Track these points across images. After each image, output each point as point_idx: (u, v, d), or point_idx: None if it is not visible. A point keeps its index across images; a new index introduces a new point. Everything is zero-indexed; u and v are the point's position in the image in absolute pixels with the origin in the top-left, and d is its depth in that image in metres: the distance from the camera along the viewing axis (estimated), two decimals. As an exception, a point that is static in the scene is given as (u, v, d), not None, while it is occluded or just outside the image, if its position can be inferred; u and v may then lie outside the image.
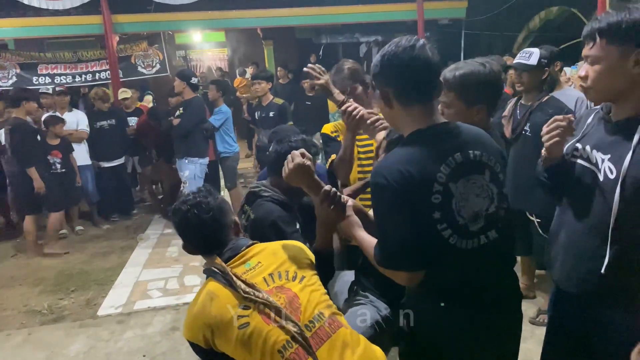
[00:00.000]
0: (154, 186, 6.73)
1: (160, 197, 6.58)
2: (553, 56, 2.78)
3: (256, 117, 5.38)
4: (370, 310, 1.87)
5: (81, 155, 5.60)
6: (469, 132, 1.38)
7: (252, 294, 1.38)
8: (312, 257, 1.59)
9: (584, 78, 1.41)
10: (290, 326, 1.34)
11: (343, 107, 2.19)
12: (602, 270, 1.35)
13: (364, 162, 2.35)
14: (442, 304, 1.34)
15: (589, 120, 1.52)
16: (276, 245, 1.58)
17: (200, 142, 4.74)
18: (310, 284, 1.48)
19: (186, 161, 4.70)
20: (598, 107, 1.51)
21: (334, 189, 1.52)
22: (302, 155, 1.55)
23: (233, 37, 11.17)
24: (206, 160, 4.97)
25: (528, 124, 2.81)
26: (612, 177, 1.34)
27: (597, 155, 1.41)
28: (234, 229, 1.60)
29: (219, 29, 10.09)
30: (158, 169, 6.00)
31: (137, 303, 3.83)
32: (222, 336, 1.38)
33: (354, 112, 2.10)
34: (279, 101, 5.21)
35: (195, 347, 1.46)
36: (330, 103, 7.44)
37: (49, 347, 3.26)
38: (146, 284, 4.19)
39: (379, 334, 1.83)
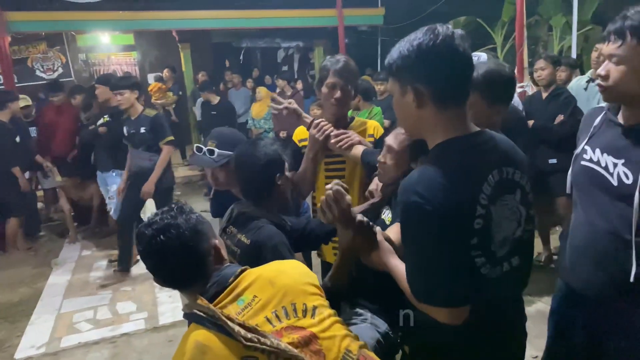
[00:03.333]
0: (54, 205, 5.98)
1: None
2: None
3: (125, 133, 4.17)
4: (370, 331, 1.74)
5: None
6: (503, 145, 1.21)
7: (256, 341, 1.09)
8: (315, 279, 1.32)
9: (605, 77, 1.35)
10: None
11: (315, 122, 2.10)
12: (632, 279, 1.33)
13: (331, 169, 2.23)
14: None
15: (596, 122, 1.50)
16: (271, 270, 1.29)
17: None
18: (326, 316, 1.22)
19: (113, 174, 4.24)
20: (604, 107, 1.52)
21: (366, 219, 1.33)
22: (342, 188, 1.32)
23: (143, 40, 10.46)
24: (135, 172, 4.52)
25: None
26: (628, 182, 1.33)
27: (608, 159, 1.39)
28: (215, 255, 1.29)
29: (128, 31, 9.38)
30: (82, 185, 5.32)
31: (64, 339, 3.33)
32: None
33: (324, 127, 2.02)
34: (151, 113, 4.17)
35: None
36: (256, 108, 7.24)
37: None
38: (71, 316, 3.67)
39: (380, 353, 1.72)
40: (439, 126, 1.15)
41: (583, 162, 1.48)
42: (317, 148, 2.09)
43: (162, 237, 1.20)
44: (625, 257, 1.34)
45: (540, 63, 3.74)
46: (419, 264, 1.13)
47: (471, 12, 9.15)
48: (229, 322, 1.12)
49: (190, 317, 1.19)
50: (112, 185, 4.25)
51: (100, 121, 4.15)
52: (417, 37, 1.11)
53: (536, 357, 2.82)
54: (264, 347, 1.09)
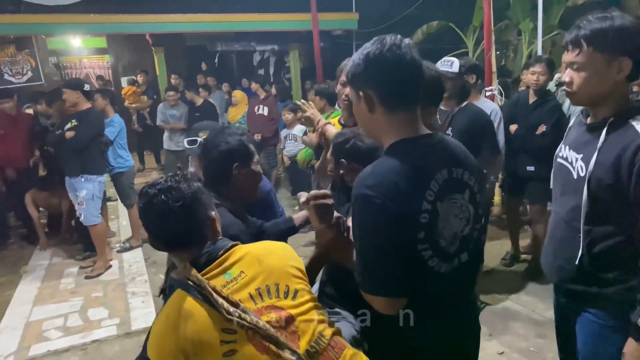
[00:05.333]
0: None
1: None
2: (470, 68, 2.97)
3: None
4: (346, 327, 1.78)
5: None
6: (454, 147, 1.30)
7: (237, 316, 1.15)
8: (301, 263, 1.37)
9: (569, 84, 1.45)
10: (288, 355, 1.15)
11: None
12: (577, 262, 1.45)
13: None
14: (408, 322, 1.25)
15: (571, 122, 1.62)
16: (260, 248, 1.34)
17: (98, 157, 4.23)
18: (305, 300, 1.27)
19: (82, 179, 4.15)
20: (580, 109, 1.62)
21: (343, 218, 1.41)
22: (325, 196, 1.42)
23: (116, 43, 10.33)
24: (104, 177, 4.46)
25: (450, 128, 2.96)
26: (582, 175, 1.44)
27: (572, 154, 1.52)
28: (211, 227, 1.33)
29: (101, 34, 9.25)
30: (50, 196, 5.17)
31: (33, 348, 3.26)
32: (196, 357, 1.15)
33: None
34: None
35: None
36: (232, 111, 7.22)
37: None
38: (41, 324, 3.59)
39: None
40: (390, 128, 1.23)
41: (557, 159, 1.61)
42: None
43: (163, 196, 1.24)
44: (576, 243, 1.45)
45: (539, 67, 3.58)
46: (363, 253, 1.19)
47: (443, 17, 9.34)
48: (214, 294, 1.17)
49: (179, 284, 1.24)
50: (81, 191, 4.17)
51: (68, 125, 4.09)
52: (366, 46, 1.20)
53: (502, 352, 2.91)
54: (244, 322, 1.14)
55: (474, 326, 1.40)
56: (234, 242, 1.32)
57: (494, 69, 5.08)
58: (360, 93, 1.22)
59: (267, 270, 1.26)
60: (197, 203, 1.28)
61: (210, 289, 1.17)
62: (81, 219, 4.33)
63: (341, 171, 1.92)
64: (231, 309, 1.15)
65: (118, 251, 4.97)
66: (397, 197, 1.12)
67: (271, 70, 10.65)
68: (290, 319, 1.21)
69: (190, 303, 1.18)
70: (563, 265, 1.53)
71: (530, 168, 3.64)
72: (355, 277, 1.23)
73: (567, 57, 1.44)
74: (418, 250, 1.16)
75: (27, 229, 5.47)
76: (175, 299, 1.22)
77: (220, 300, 1.16)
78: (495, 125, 3.37)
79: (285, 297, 1.24)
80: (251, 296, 1.22)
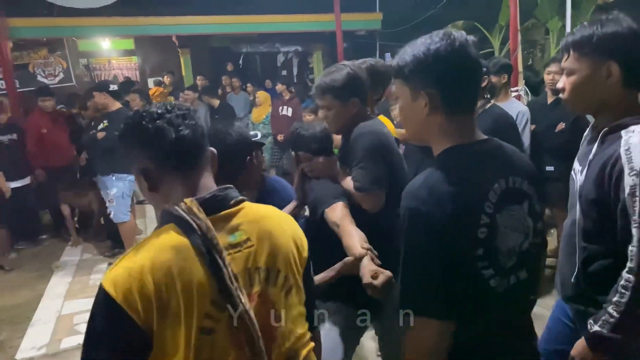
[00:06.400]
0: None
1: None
2: (501, 67, 2.93)
3: None
4: (329, 337, 1.81)
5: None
6: (511, 154, 1.19)
7: (234, 293, 0.94)
8: (305, 248, 1.17)
9: (562, 89, 1.45)
10: None
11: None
12: (572, 279, 1.42)
13: None
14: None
15: (586, 133, 1.57)
16: (273, 217, 1.11)
17: (128, 157, 4.37)
18: (295, 303, 1.10)
19: (113, 178, 4.30)
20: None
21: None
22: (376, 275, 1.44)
23: (144, 45, 10.54)
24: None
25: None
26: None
27: (577, 166, 1.49)
28: (213, 159, 1.12)
29: (129, 36, 9.47)
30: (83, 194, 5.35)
31: (64, 341, 3.39)
32: (169, 314, 0.89)
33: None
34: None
35: (119, 322, 0.88)
36: (255, 112, 7.29)
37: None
38: (72, 318, 3.72)
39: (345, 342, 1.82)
40: (446, 133, 1.13)
41: (572, 172, 1.57)
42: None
43: (172, 114, 1.03)
44: (575, 260, 1.42)
45: (555, 67, 3.51)
46: (413, 271, 1.07)
47: (469, 16, 9.23)
48: (223, 252, 0.95)
49: (176, 219, 0.96)
50: (112, 189, 4.31)
51: (100, 126, 4.23)
52: (433, 41, 1.09)
53: None
54: (239, 305, 0.94)
55: (531, 352, 1.23)
56: (242, 197, 1.08)
57: (520, 68, 5.02)
58: (421, 92, 1.11)
59: (274, 249, 1.06)
60: (203, 134, 1.07)
61: (220, 244, 0.95)
62: (111, 216, 4.47)
63: (299, 164, 1.97)
64: (234, 284, 0.94)
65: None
66: (452, 211, 1.02)
67: (294, 71, 10.72)
68: (273, 323, 1.04)
69: (185, 244, 0.93)
70: (564, 281, 1.50)
71: (550, 168, 3.58)
72: (403, 298, 1.10)
73: (562, 63, 1.45)
74: (477, 269, 1.05)
75: (60, 225, 5.66)
76: (163, 232, 0.96)
77: (226, 267, 0.94)
78: (522, 127, 3.33)
79: (281, 291, 1.06)
80: (248, 274, 1.01)
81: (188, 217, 0.95)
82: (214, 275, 0.93)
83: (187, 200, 0.97)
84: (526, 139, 3.38)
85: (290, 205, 2.11)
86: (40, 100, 5.38)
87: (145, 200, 5.89)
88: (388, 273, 1.41)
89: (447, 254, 1.02)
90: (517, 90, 4.61)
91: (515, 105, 3.03)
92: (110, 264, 4.74)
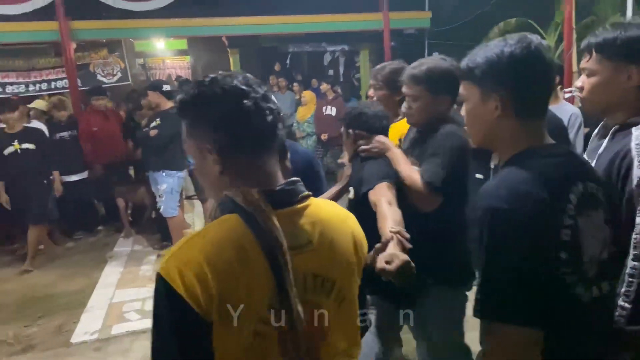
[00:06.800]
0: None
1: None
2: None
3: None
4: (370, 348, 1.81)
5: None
6: (583, 160, 1.18)
7: (292, 300, 0.87)
8: (366, 247, 1.11)
9: (581, 89, 1.47)
10: None
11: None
12: None
13: None
14: None
15: (595, 131, 1.59)
16: (336, 218, 1.02)
17: (179, 154, 4.55)
18: (346, 316, 1.02)
19: (163, 174, 4.50)
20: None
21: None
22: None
23: (196, 45, 10.90)
24: (184, 173, 4.78)
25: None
26: None
27: None
28: (282, 153, 1.10)
29: (182, 37, 9.82)
30: (136, 189, 5.63)
31: (114, 327, 3.58)
32: (227, 314, 0.83)
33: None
34: None
35: (182, 313, 0.81)
36: (301, 111, 7.36)
37: (19, 382, 2.99)
38: (122, 306, 3.93)
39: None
40: (517, 137, 1.11)
41: None
42: None
43: (256, 94, 0.94)
44: None
45: None
46: (493, 275, 1.01)
47: (522, 13, 8.90)
48: (287, 254, 0.86)
49: (240, 209, 0.88)
50: (162, 185, 4.50)
51: (153, 124, 4.43)
52: (508, 44, 1.09)
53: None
54: (295, 311, 0.87)
55: None
56: (308, 192, 1.00)
57: (575, 68, 4.81)
58: (493, 94, 1.10)
59: (332, 256, 0.97)
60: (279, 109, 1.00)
61: (285, 245, 0.87)
62: (161, 210, 4.67)
63: (353, 141, 1.98)
64: (293, 289, 0.87)
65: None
66: (536, 211, 0.99)
67: (341, 70, 10.73)
68: (319, 342, 0.95)
69: (249, 241, 0.86)
70: None
71: None
72: (481, 304, 1.03)
73: (582, 63, 1.46)
74: (560, 274, 1.00)
75: (114, 217, 5.97)
76: (226, 222, 0.89)
77: (290, 275, 0.87)
78: (575, 130, 3.19)
79: (333, 302, 0.97)
80: (304, 280, 0.92)
81: (254, 212, 0.87)
82: (275, 277, 0.86)
83: (255, 192, 0.89)
84: (579, 142, 3.23)
85: (337, 186, 2.18)
86: (93, 99, 5.71)
87: (196, 195, 6.23)
88: (404, 257, 1.30)
89: (531, 256, 0.98)
90: (570, 92, 4.41)
91: (567, 107, 2.90)
92: (159, 255, 4.96)
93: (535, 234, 0.98)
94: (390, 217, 1.57)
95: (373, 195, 1.72)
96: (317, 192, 2.38)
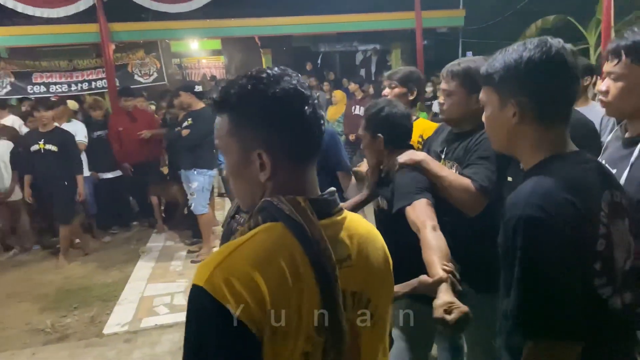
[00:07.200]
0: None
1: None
2: (583, 70, 2.75)
3: None
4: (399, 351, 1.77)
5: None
6: (606, 169, 1.14)
7: (341, 317, 0.81)
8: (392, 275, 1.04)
9: (605, 93, 1.42)
10: None
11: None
12: None
13: None
14: None
15: (610, 137, 1.56)
16: (370, 233, 0.96)
17: (209, 153, 4.67)
18: (379, 336, 0.96)
19: (195, 172, 4.62)
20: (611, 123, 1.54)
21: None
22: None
23: (230, 45, 11.11)
24: (214, 172, 4.89)
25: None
26: None
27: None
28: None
29: (216, 37, 10.02)
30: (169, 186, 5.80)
31: (144, 320, 3.72)
32: (279, 331, 0.75)
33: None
34: None
35: (225, 328, 0.72)
36: (331, 110, 7.37)
37: (54, 369, 3.14)
38: (152, 300, 4.07)
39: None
40: (538, 144, 1.08)
41: None
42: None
43: (306, 92, 0.87)
44: None
45: None
46: (531, 288, 0.96)
47: (562, 10, 8.62)
48: (335, 268, 0.81)
49: (288, 220, 0.81)
50: (193, 183, 4.62)
51: (185, 124, 4.55)
52: (526, 48, 1.05)
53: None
54: (340, 328, 0.81)
55: None
56: (342, 205, 0.95)
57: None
58: (511, 100, 1.07)
59: (369, 273, 0.92)
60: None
61: (333, 257, 0.81)
62: (192, 207, 4.80)
63: (380, 147, 1.84)
64: (341, 305, 0.82)
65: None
66: (573, 219, 0.94)
67: (373, 70, 10.70)
68: (358, 358, 0.90)
69: (299, 253, 0.79)
70: None
71: None
72: (519, 319, 0.98)
73: (607, 66, 1.40)
74: (595, 286, 0.97)
75: (148, 213, 6.17)
76: (276, 233, 0.81)
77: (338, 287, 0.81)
78: (607, 132, 3.08)
79: (369, 321, 0.91)
80: (344, 299, 0.85)
81: (304, 222, 0.81)
82: (322, 293, 0.79)
83: (301, 199, 0.83)
84: (612, 146, 3.12)
85: (359, 196, 2.09)
86: (123, 100, 5.87)
87: (226, 193, 6.36)
88: (464, 308, 1.23)
89: (572, 267, 0.94)
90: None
91: (598, 109, 2.78)
92: (189, 251, 5.09)
93: (575, 243, 0.94)
94: (437, 248, 1.48)
95: (413, 214, 1.62)
96: (339, 164, 2.70)
